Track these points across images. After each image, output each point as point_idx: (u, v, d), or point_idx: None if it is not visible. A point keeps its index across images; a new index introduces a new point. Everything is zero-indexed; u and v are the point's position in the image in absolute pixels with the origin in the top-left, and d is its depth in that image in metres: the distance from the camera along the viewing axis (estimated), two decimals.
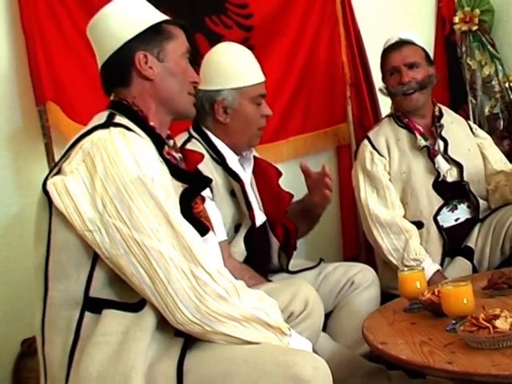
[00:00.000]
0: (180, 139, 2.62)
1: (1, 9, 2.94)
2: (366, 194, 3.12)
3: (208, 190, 2.50)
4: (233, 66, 2.63)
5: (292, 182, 3.54)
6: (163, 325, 1.74)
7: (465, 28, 3.90)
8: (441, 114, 3.22)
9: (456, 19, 3.91)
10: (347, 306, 2.76)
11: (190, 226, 1.77)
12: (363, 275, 2.80)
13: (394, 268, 2.95)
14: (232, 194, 2.58)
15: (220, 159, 2.60)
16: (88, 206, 1.72)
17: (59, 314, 1.77)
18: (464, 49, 3.93)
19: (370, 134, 3.23)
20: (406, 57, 3.15)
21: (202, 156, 2.20)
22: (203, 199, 2.08)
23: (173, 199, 1.80)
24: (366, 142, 3.21)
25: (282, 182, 3.28)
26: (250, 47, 3.41)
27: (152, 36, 1.98)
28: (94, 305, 1.76)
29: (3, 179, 2.92)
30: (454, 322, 2.05)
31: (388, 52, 3.19)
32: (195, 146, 2.59)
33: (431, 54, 3.91)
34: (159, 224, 1.71)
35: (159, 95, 1.99)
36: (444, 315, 2.12)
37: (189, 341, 1.74)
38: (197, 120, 2.66)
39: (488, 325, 1.88)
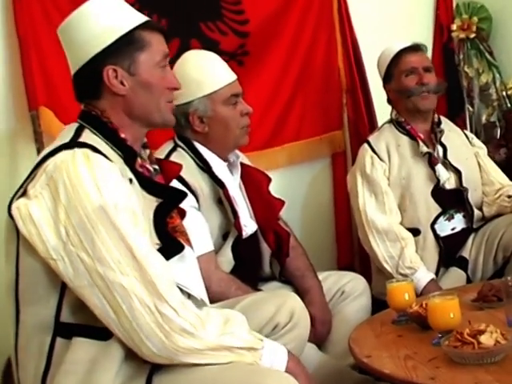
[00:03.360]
0: (165, 148, 2.61)
1: None
2: (364, 198, 3.09)
3: (194, 199, 2.49)
4: (198, 75, 2.59)
5: (286, 189, 3.55)
6: (132, 353, 1.71)
7: (462, 35, 3.89)
8: (439, 122, 3.23)
9: (454, 26, 3.91)
10: (337, 315, 2.73)
11: (156, 256, 1.72)
12: (354, 284, 2.78)
13: (388, 275, 2.94)
14: (219, 202, 2.55)
15: (206, 167, 2.57)
16: (51, 234, 1.67)
17: (31, 338, 1.75)
18: (461, 56, 3.93)
19: (371, 139, 3.21)
20: (424, 60, 3.23)
21: (180, 167, 2.16)
22: (181, 213, 2.02)
23: (141, 224, 1.74)
24: (366, 146, 3.18)
25: (276, 188, 3.26)
26: (245, 53, 3.46)
27: (122, 47, 1.86)
28: (65, 330, 1.72)
29: None
30: (439, 335, 2.04)
31: (406, 53, 3.19)
32: (181, 154, 2.57)
33: None
34: (122, 256, 1.66)
35: (132, 110, 1.89)
36: (431, 328, 2.11)
37: (155, 366, 1.72)
38: (178, 133, 2.65)
39: (473, 340, 1.86)
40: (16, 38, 2.93)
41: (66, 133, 1.86)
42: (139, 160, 1.92)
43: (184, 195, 1.98)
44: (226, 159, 2.68)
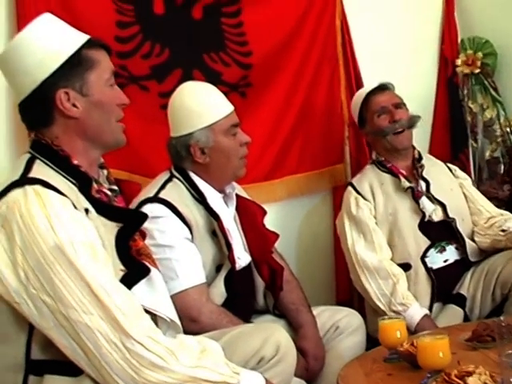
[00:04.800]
0: (161, 179, 2.60)
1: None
2: (353, 239, 3.11)
3: (187, 231, 2.48)
4: (198, 106, 2.59)
5: (285, 222, 3.53)
6: None
7: (467, 71, 3.87)
8: (420, 157, 3.27)
9: (459, 61, 3.89)
10: (331, 350, 2.69)
11: (118, 290, 1.69)
12: (349, 320, 2.75)
13: (382, 314, 2.92)
14: (214, 233, 2.53)
15: (201, 198, 2.56)
16: (12, 277, 1.65)
17: (4, 378, 1.72)
18: (466, 91, 3.90)
19: (354, 181, 3.27)
20: (392, 97, 3.27)
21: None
22: (143, 235, 1.99)
23: (101, 256, 1.71)
24: (349, 188, 3.23)
25: (275, 221, 3.26)
26: (248, 85, 3.46)
27: (71, 69, 1.82)
28: (36, 367, 1.70)
29: None
30: (429, 375, 2.01)
31: (373, 95, 3.27)
32: (176, 185, 2.57)
33: (433, 96, 3.94)
34: (83, 295, 1.63)
35: (86, 132, 1.87)
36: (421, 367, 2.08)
37: None
38: (176, 164, 2.64)
39: (460, 382, 1.84)
40: None
41: (18, 166, 1.81)
42: (95, 185, 1.89)
43: (144, 217, 1.96)
44: (222, 191, 2.67)
